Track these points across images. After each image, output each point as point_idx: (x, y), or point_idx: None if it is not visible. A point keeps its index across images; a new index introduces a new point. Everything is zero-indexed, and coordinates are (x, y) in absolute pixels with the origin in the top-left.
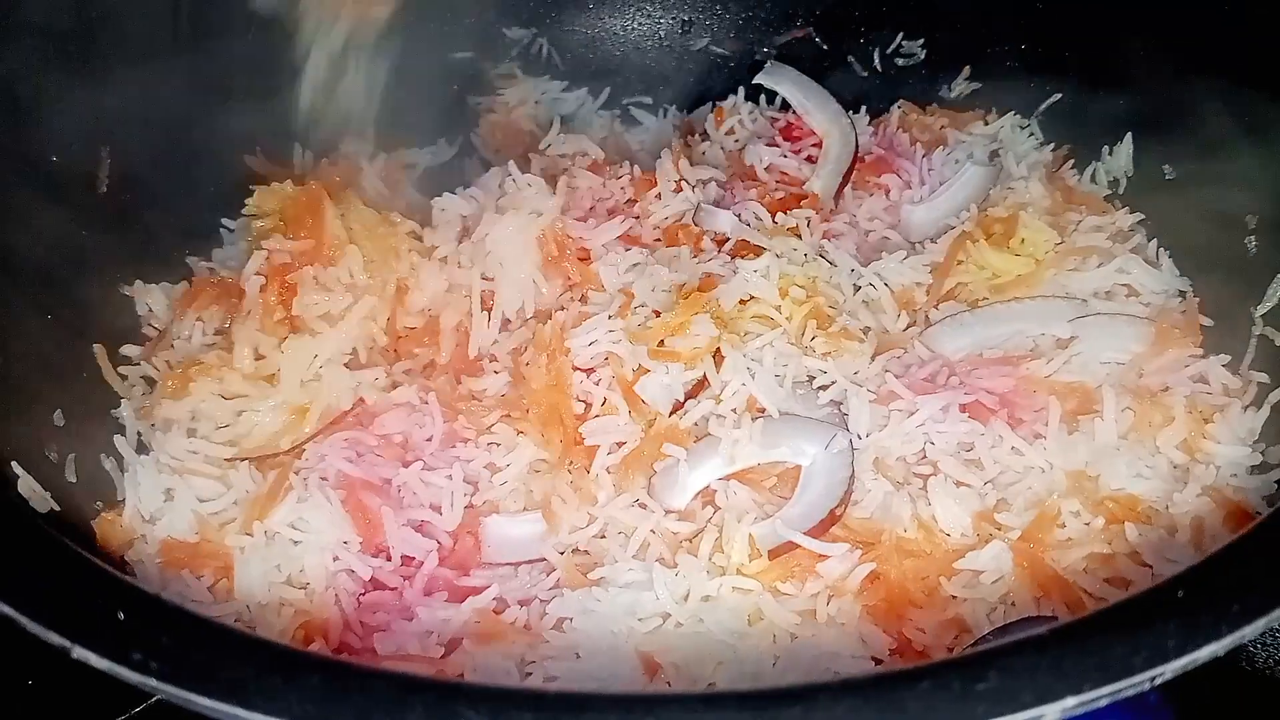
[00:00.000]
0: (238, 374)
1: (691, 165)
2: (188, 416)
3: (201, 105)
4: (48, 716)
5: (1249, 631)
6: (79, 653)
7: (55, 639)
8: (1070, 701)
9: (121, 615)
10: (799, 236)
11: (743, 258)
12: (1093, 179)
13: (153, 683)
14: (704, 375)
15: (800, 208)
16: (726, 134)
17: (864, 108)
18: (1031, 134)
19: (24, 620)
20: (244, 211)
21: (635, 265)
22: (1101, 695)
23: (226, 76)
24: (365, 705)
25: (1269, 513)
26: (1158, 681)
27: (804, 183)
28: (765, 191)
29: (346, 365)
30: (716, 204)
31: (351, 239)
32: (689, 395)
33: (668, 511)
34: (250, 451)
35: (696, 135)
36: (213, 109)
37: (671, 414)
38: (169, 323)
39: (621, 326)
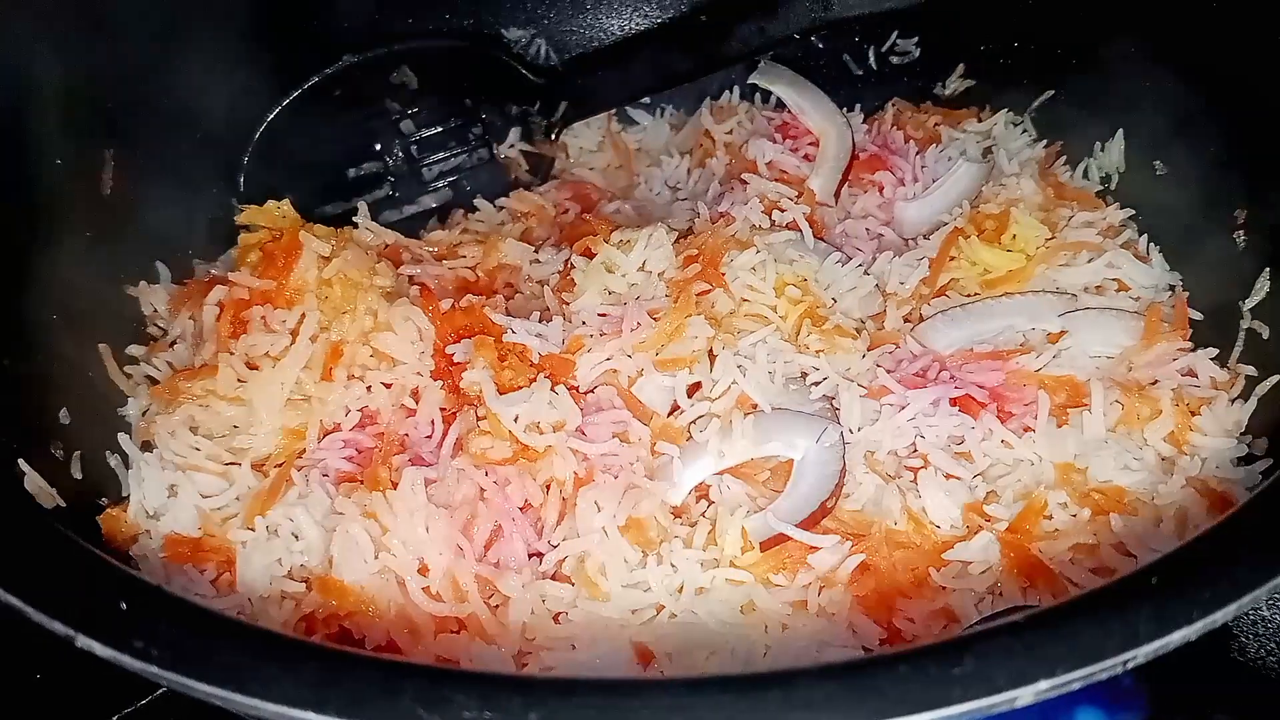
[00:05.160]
0: (223, 400)
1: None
2: (187, 420)
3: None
4: (55, 710)
5: (1219, 617)
6: (83, 641)
7: (60, 628)
8: (1044, 684)
9: (123, 605)
10: (798, 231)
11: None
12: (1084, 175)
13: (153, 670)
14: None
15: (797, 203)
16: (727, 132)
17: (859, 105)
18: (1024, 131)
19: (30, 611)
20: (238, 220)
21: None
22: (1074, 679)
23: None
24: (358, 690)
25: (1243, 503)
26: (1130, 665)
27: (803, 181)
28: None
29: None
30: (716, 202)
31: (326, 282)
32: (690, 393)
33: None
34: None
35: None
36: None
37: (670, 414)
38: (171, 323)
39: (618, 347)
